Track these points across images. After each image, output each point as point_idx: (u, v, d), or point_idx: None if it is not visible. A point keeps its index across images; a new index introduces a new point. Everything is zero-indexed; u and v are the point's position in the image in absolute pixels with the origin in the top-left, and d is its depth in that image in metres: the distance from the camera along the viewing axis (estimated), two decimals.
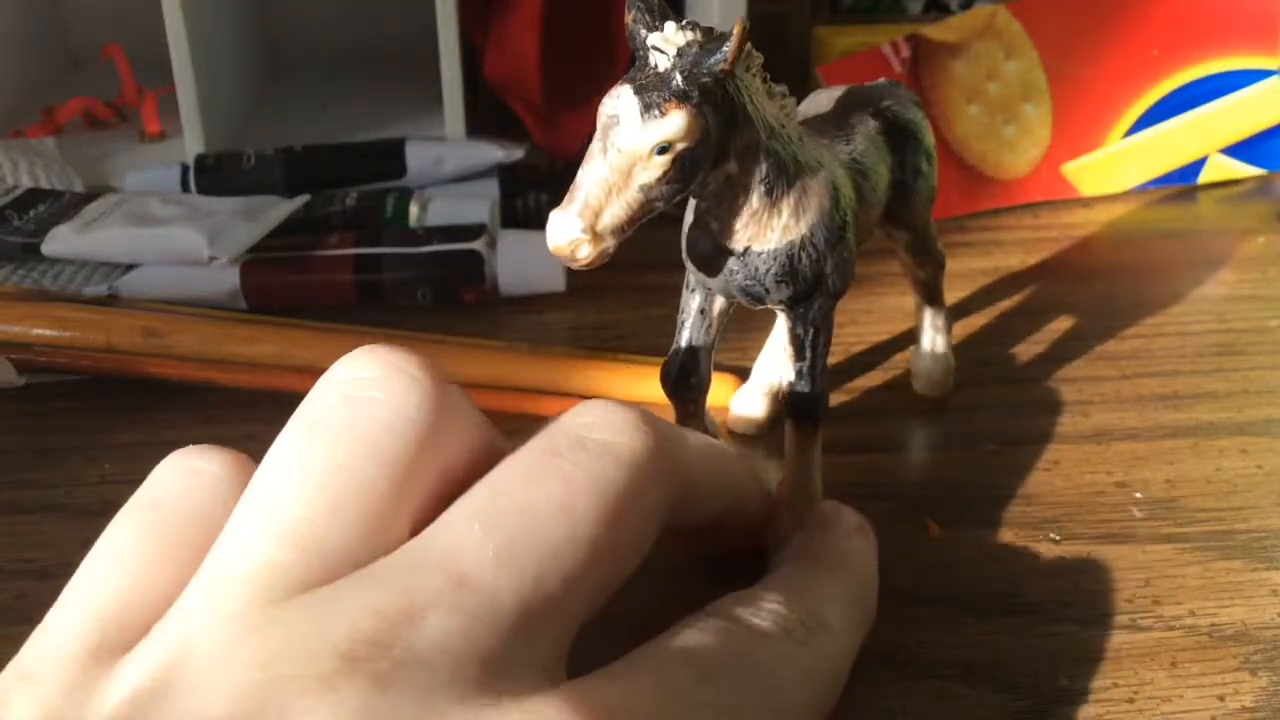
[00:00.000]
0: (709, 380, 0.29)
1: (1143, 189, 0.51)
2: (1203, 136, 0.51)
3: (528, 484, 0.19)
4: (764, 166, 0.24)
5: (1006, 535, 0.30)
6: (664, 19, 0.23)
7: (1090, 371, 0.37)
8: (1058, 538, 0.30)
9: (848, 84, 0.31)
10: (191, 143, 0.48)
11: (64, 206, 0.44)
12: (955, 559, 0.29)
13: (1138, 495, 0.32)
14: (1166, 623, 0.27)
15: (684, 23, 0.23)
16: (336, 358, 0.20)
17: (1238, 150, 0.51)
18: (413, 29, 0.54)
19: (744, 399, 0.34)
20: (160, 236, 0.40)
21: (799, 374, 0.27)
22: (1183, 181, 0.51)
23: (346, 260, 0.40)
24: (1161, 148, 0.51)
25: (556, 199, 0.23)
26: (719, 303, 0.28)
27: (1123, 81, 0.50)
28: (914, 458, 0.34)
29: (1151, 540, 0.30)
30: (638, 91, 0.22)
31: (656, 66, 0.23)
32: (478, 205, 0.44)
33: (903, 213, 0.30)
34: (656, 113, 0.22)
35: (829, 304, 0.27)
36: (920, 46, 0.48)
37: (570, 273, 0.41)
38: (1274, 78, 0.50)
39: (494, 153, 0.47)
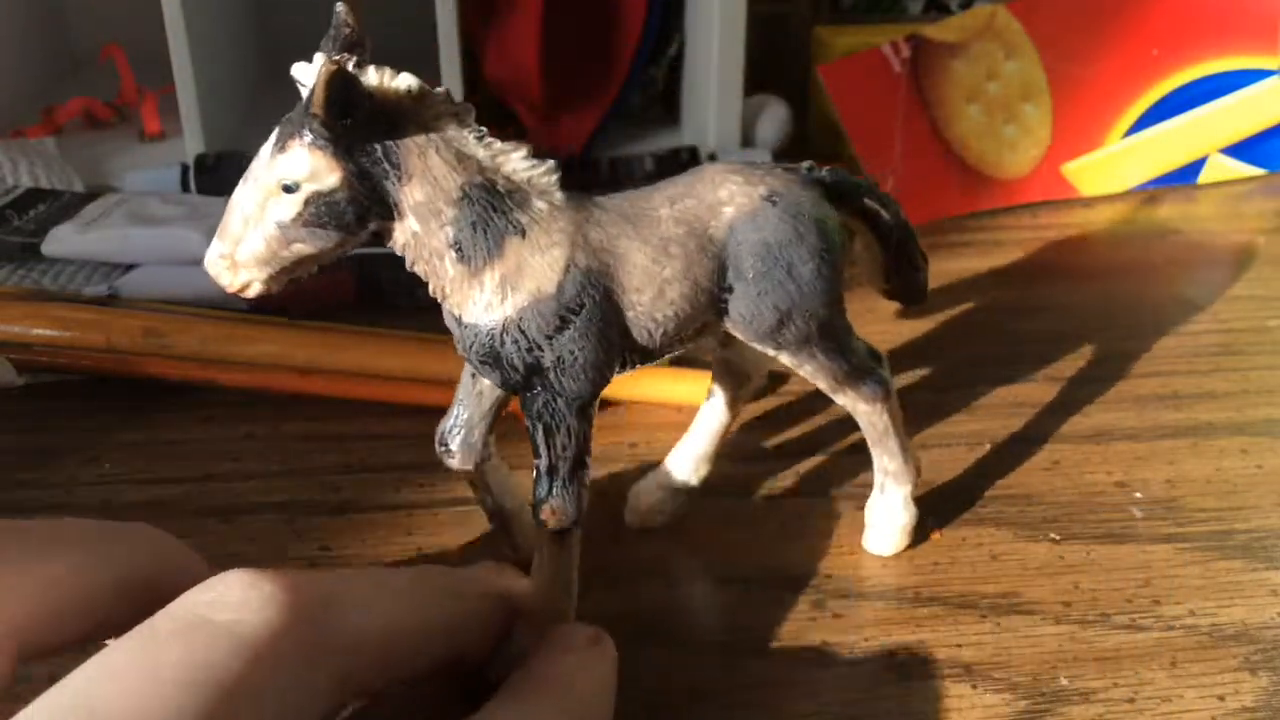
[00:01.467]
0: (481, 448, 0.26)
1: (1143, 189, 0.51)
2: (1203, 136, 0.51)
3: (107, 679, 0.17)
4: (450, 230, 0.22)
5: (1006, 535, 0.30)
6: (336, 49, 0.21)
7: (1090, 371, 0.37)
8: (1058, 538, 0.30)
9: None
10: (191, 143, 0.48)
11: (64, 206, 0.44)
12: (955, 559, 0.29)
13: (1138, 495, 0.32)
14: (1166, 623, 0.27)
15: (335, 56, 0.21)
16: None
17: (1238, 150, 0.51)
18: (413, 29, 0.54)
19: (641, 489, 0.30)
20: (160, 236, 0.40)
21: (536, 474, 0.23)
22: (1183, 181, 0.51)
23: (346, 260, 0.40)
24: (1161, 148, 0.51)
25: None
26: None
27: (1123, 81, 0.50)
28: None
29: (1151, 540, 0.30)
30: (282, 124, 0.21)
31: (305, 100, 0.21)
32: None
33: (745, 330, 0.25)
34: (280, 148, 0.21)
35: (558, 403, 0.23)
36: (920, 46, 0.48)
37: None
38: (1274, 78, 0.50)
39: None
